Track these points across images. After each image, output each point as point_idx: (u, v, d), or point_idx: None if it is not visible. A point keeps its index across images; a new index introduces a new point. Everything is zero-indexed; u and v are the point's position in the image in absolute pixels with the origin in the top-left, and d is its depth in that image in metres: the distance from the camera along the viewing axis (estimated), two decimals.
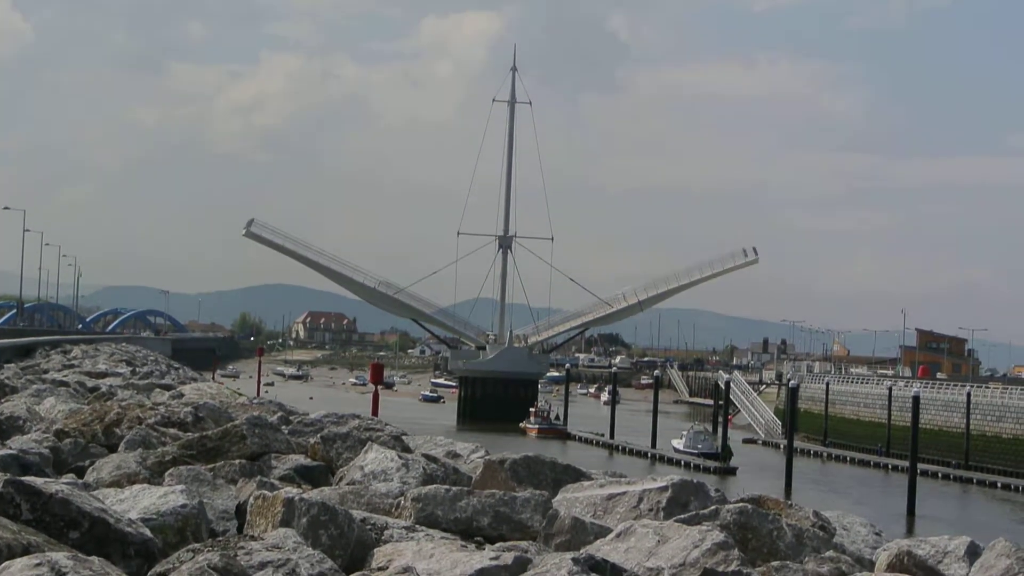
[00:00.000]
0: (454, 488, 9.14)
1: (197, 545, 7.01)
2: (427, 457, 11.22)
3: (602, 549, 7.82)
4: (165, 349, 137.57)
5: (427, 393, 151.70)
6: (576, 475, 11.27)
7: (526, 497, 9.09)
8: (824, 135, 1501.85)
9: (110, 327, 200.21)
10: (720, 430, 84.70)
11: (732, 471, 73.30)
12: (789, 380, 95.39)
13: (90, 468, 10.93)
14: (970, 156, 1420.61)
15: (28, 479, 7.41)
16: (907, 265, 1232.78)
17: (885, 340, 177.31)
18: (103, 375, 34.92)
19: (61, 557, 6.04)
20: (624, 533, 8.06)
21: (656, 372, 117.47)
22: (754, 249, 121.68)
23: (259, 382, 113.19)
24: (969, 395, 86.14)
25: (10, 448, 11.20)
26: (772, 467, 77.94)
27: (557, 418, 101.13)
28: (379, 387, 45.00)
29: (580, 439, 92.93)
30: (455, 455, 13.48)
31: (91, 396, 22.19)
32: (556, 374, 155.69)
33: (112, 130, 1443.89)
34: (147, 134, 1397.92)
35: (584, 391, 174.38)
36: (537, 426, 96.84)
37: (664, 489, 9.54)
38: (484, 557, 7.06)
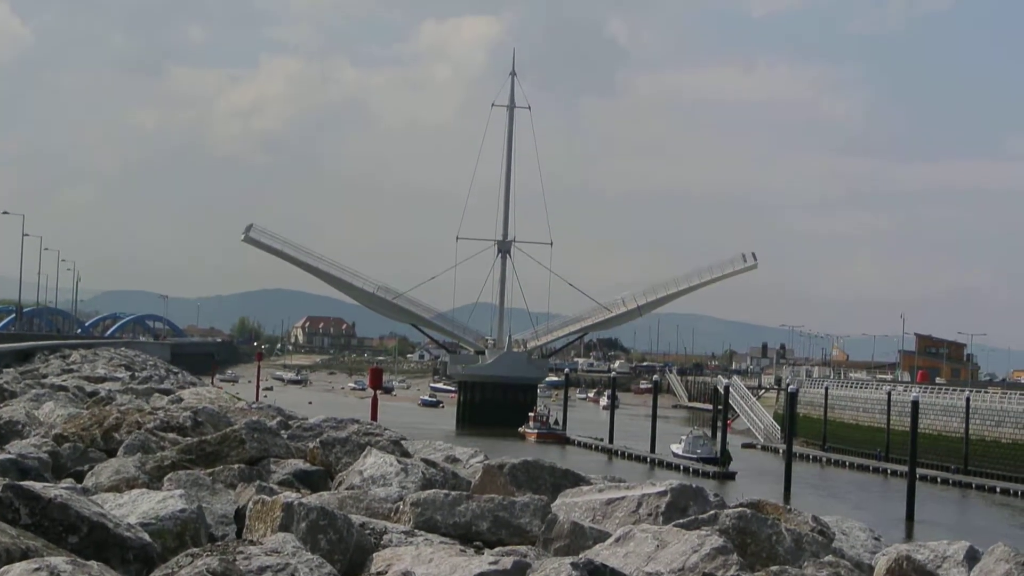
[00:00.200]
0: (453, 493, 9.14)
1: (196, 550, 7.00)
2: (426, 462, 11.22)
3: (601, 554, 7.82)
4: (164, 354, 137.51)
5: (426, 398, 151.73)
6: (575, 480, 11.26)
7: (525, 502, 9.09)
8: (823, 138, 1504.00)
9: (109, 332, 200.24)
10: (719, 435, 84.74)
11: (731, 476, 73.32)
12: (788, 385, 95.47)
13: (89, 473, 10.93)
14: (969, 160, 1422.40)
15: (27, 484, 7.41)
16: (906, 269, 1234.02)
17: (884, 345, 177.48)
18: (102, 380, 34.91)
19: (60, 562, 6.04)
20: (623, 538, 8.06)
21: (655, 377, 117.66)
22: (753, 255, 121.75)
23: (258, 387, 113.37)
24: (968, 400, 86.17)
25: (9, 453, 11.20)
26: (771, 472, 77.94)
27: (556, 423, 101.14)
28: (378, 392, 45.07)
29: (579, 444, 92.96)
30: (454, 460, 13.48)
31: (90, 401, 22.19)
32: (555, 379, 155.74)
33: (111, 133, 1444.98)
34: (146, 137, 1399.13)
35: (583, 396, 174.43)
36: (536, 431, 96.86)
37: (663, 494, 9.54)
38: (483, 562, 7.06)
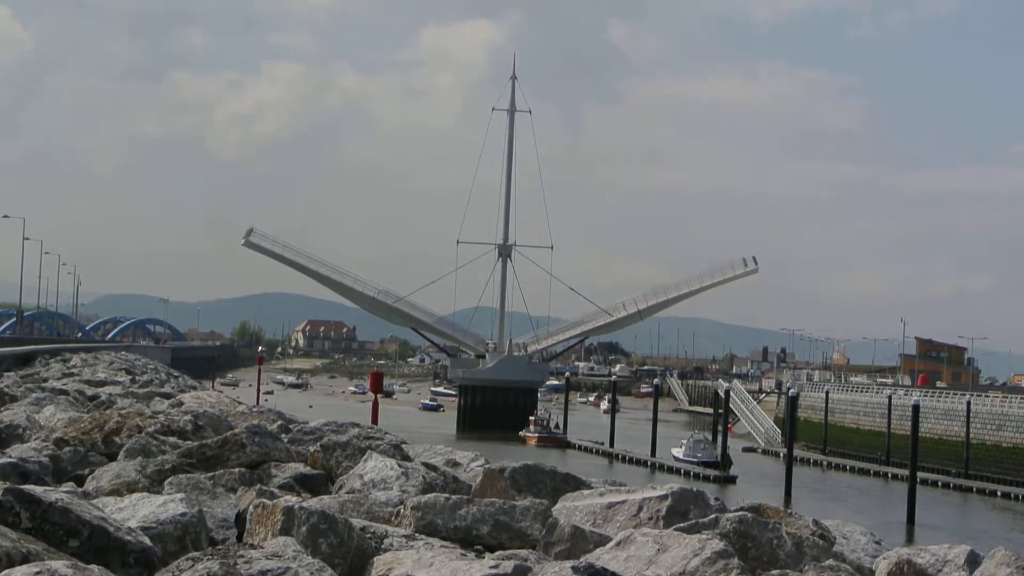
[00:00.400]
0: (454, 497, 9.14)
1: (197, 554, 7.00)
2: (427, 466, 11.22)
3: (602, 558, 7.82)
4: (165, 357, 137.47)
5: (426, 402, 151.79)
6: (576, 484, 11.26)
7: (526, 506, 9.08)
8: (824, 144, 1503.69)
9: (109, 335, 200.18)
10: (720, 439, 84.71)
11: (732, 480, 73.33)
12: (789, 389, 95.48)
13: (90, 476, 10.93)
14: (970, 165, 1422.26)
15: (28, 487, 7.40)
16: (907, 273, 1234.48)
17: (885, 349, 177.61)
18: (102, 383, 34.88)
19: (61, 566, 6.04)
20: (624, 542, 8.06)
21: (656, 381, 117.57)
22: (754, 259, 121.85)
23: (258, 390, 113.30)
24: (969, 404, 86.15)
25: (10, 456, 11.20)
26: (772, 476, 77.96)
27: (557, 427, 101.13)
28: (379, 396, 45.10)
29: (580, 448, 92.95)
30: (455, 464, 13.47)
31: (91, 404, 22.18)
32: (556, 383, 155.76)
33: (113, 138, 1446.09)
34: (148, 142, 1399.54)
35: (584, 400, 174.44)
36: (537, 435, 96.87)
37: (664, 498, 9.54)
38: (484, 565, 7.05)
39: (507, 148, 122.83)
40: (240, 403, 26.51)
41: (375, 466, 10.73)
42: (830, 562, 8.61)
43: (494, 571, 6.93)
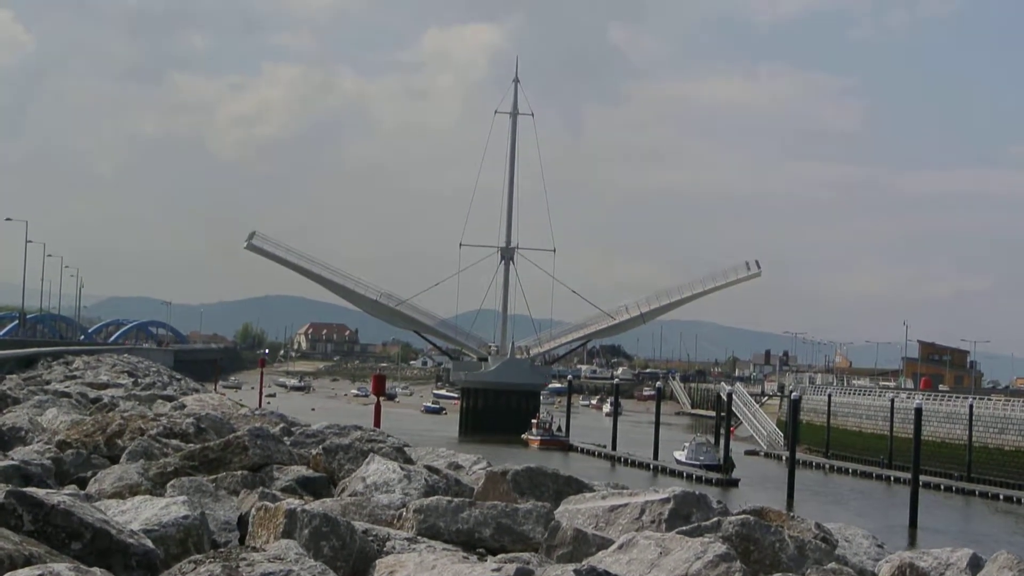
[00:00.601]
0: (456, 499, 9.14)
1: (199, 556, 7.00)
2: (429, 468, 11.22)
3: (604, 561, 7.83)
4: (167, 360, 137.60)
5: (429, 404, 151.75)
6: (578, 487, 11.26)
7: (528, 509, 9.08)
8: (825, 145, 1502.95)
9: (112, 338, 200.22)
10: (722, 442, 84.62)
11: (734, 483, 73.29)
12: (791, 392, 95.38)
13: (92, 479, 10.94)
14: (971, 167, 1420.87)
15: (30, 490, 7.41)
16: (909, 276, 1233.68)
17: (887, 352, 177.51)
18: (105, 386, 34.90)
19: (63, 568, 6.04)
20: (626, 545, 8.07)
21: (658, 383, 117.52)
22: (757, 262, 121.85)
23: (261, 393, 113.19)
24: (971, 407, 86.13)
25: (12, 459, 11.21)
26: (774, 479, 77.91)
27: (559, 429, 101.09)
28: (381, 398, 45.08)
29: (582, 451, 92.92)
30: (457, 466, 13.47)
31: (93, 407, 22.19)
32: (558, 385, 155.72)
33: (114, 140, 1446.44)
34: (149, 144, 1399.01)
35: (586, 402, 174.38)
36: (539, 437, 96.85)
37: (666, 501, 9.54)
38: (486, 569, 7.05)
39: (509, 151, 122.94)
40: (242, 406, 26.53)
41: (377, 469, 10.73)
42: (832, 565, 8.61)
43: (496, 574, 6.93)
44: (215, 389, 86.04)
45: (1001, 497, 73.92)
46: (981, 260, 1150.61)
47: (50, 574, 5.94)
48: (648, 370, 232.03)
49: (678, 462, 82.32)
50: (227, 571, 6.42)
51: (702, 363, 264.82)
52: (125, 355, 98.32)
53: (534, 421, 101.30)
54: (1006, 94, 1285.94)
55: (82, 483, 11.09)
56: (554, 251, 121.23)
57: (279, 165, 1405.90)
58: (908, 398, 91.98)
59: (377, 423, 37.23)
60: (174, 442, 13.41)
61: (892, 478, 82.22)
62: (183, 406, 22.59)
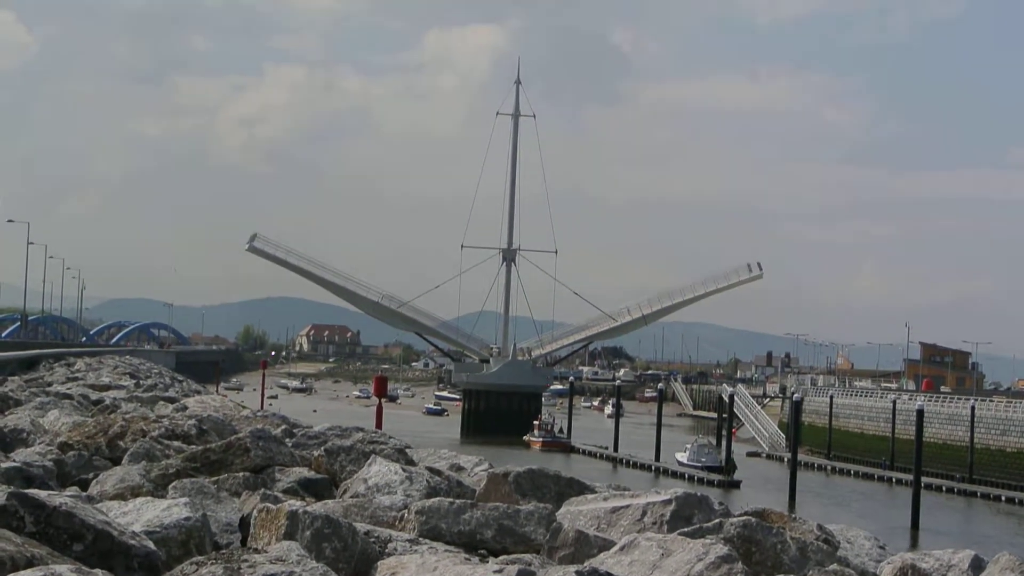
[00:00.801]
0: (458, 501, 9.14)
1: (201, 558, 7.00)
2: (431, 470, 11.22)
3: (606, 562, 7.82)
4: (169, 362, 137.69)
5: (431, 406, 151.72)
6: (580, 488, 11.26)
7: (530, 510, 9.08)
8: (826, 147, 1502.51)
9: (114, 340, 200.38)
10: (724, 443, 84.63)
11: (736, 484, 73.28)
12: (793, 393, 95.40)
13: (94, 481, 10.94)
14: (973, 169, 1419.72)
15: (32, 492, 7.41)
16: (911, 278, 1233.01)
17: (889, 353, 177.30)
18: (107, 388, 34.91)
19: (65, 570, 6.04)
20: (628, 546, 8.06)
21: (660, 385, 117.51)
22: (759, 264, 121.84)
23: (263, 395, 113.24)
24: (973, 409, 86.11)
25: (14, 461, 11.21)
26: (776, 480, 77.91)
27: (561, 431, 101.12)
28: (383, 400, 45.00)
29: (584, 452, 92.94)
30: (459, 468, 13.47)
31: (95, 409, 22.20)
32: (560, 387, 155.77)
33: (116, 142, 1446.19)
34: (151, 146, 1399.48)
35: (588, 404, 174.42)
36: (541, 439, 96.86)
37: (668, 502, 9.54)
38: (488, 570, 7.05)
39: (511, 152, 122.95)
40: (244, 407, 26.56)
41: (379, 470, 10.73)
42: (834, 567, 8.61)
43: (498, 575, 6.93)
44: (217, 391, 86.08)
45: (1003, 499, 73.90)
46: (983, 261, 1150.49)
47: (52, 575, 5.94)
48: (650, 372, 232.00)
49: (680, 464, 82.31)
50: (229, 573, 6.42)
51: (704, 365, 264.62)
52: (127, 357, 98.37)
53: (536, 423, 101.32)
54: (1008, 96, 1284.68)
55: (84, 485, 11.09)
56: (556, 253, 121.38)
57: (281, 166, 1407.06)
58: (910, 400, 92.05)
59: (379, 425, 37.21)
60: (176, 444, 13.41)
61: (894, 480, 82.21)
62: (185, 408, 22.60)
